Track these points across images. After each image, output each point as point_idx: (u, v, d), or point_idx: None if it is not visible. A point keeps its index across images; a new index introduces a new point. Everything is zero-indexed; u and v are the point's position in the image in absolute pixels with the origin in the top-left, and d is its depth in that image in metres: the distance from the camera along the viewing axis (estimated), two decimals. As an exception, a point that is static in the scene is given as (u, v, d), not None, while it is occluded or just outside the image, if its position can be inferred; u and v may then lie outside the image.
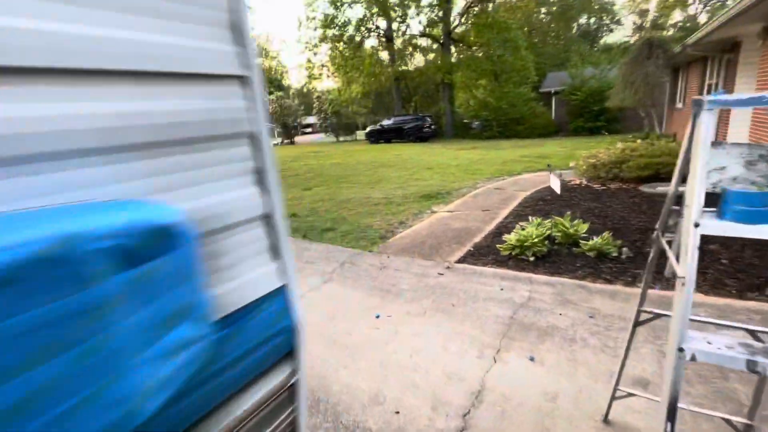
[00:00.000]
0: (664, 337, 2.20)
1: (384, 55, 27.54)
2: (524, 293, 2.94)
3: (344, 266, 3.82)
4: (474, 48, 24.65)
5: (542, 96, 22.34)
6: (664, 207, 1.28)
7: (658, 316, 1.31)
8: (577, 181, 6.95)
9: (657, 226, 1.34)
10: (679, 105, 11.96)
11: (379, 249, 4.27)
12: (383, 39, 26.72)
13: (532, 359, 2.16)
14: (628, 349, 1.48)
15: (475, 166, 10.27)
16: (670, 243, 1.29)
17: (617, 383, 1.58)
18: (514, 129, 20.79)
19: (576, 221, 4.07)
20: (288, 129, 33.17)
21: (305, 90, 41.41)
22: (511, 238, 3.85)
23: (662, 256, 1.31)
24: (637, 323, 1.38)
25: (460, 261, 3.72)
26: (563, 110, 20.70)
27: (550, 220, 4.27)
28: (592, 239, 3.67)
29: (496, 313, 2.68)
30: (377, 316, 2.77)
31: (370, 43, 27.70)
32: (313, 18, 25.69)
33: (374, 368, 2.21)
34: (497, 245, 3.93)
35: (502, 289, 3.03)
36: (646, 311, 1.33)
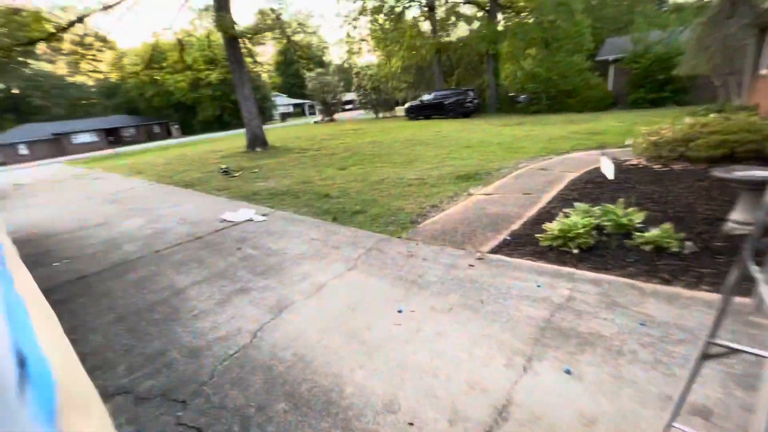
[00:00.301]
0: (736, 357, 1.86)
1: (425, 26, 26.35)
2: (564, 292, 2.64)
3: (370, 253, 3.67)
4: (523, 14, 22.84)
5: (598, 65, 20.42)
6: (754, 219, 0.97)
7: (734, 351, 1.03)
8: (635, 161, 6.25)
9: (730, 217, 1.03)
10: (765, 71, 10.36)
11: (408, 235, 4.07)
12: (425, 8, 25.49)
13: (568, 372, 1.91)
14: (690, 382, 1.20)
15: (518, 144, 9.62)
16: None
17: (673, 418, 1.31)
18: (565, 102, 19.33)
19: (630, 209, 3.61)
20: (327, 106, 33.14)
21: (345, 66, 40.96)
22: (552, 226, 3.49)
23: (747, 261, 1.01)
24: (705, 356, 1.11)
25: (493, 251, 3.44)
26: (622, 80, 18.85)
27: (599, 206, 3.83)
28: (649, 230, 3.24)
29: (530, 314, 2.42)
30: (400, 311, 2.61)
31: (411, 13, 26.56)
32: (352, -11, 24.91)
33: (392, 370, 2.07)
34: (537, 234, 3.60)
35: (538, 286, 2.74)
36: (718, 344, 1.05)
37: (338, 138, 16.09)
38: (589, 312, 2.38)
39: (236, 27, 13.61)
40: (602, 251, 3.20)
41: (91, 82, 53.78)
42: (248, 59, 17.73)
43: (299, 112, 57.27)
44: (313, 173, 8.45)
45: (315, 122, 33.47)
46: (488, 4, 23.39)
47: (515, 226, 4.01)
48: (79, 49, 16.60)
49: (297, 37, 18.87)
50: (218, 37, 15.39)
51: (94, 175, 13.65)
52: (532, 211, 4.40)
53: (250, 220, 5.21)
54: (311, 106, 51.19)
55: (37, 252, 4.94)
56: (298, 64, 33.59)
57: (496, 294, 2.70)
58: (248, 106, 14.56)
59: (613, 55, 19.45)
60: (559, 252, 3.27)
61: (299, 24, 18.64)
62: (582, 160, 6.89)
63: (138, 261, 4.19)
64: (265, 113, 44.61)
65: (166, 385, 2.16)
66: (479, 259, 3.30)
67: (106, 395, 2.15)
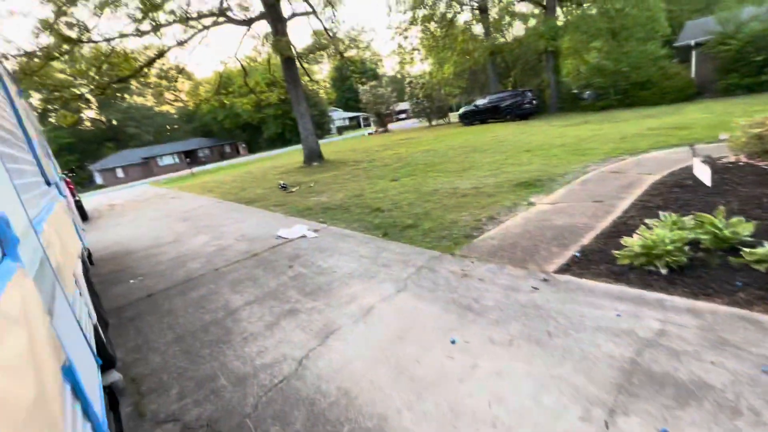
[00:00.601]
0: None
1: (477, 29, 25.72)
2: (653, 324, 2.20)
3: (421, 272, 3.45)
4: (586, 5, 21.34)
5: (677, 51, 18.35)
6: None
7: None
8: (732, 159, 5.34)
9: None
10: None
11: (462, 251, 3.78)
12: (476, 11, 24.90)
13: (666, 434, 1.53)
14: None
15: (585, 145, 8.81)
16: None
17: None
18: (638, 95, 17.60)
19: (734, 218, 3.00)
20: (381, 117, 33.63)
21: (398, 77, 41.43)
22: (632, 241, 3.01)
23: None
24: None
25: (561, 271, 3.04)
26: (708, 66, 16.71)
27: (691, 215, 3.25)
28: (763, 245, 2.64)
29: (611, 353, 2.03)
30: (453, 342, 2.36)
31: (463, 18, 26.10)
32: (403, 1, 25.11)
33: (443, 415, 1.83)
34: (613, 250, 3.13)
35: (619, 316, 2.33)
36: None
37: (391, 148, 16.11)
38: (689, 352, 1.94)
39: (292, 49, 14.30)
40: (699, 272, 2.67)
41: (173, 110, 60.33)
42: (305, 78, 18.57)
43: (355, 124, 59.04)
44: (365, 185, 8.45)
45: (369, 134, 34.09)
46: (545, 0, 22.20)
47: (586, 241, 3.55)
48: (163, 82, 18.55)
49: (350, 53, 19.42)
50: (278, 60, 16.29)
51: (172, 194, 15.04)
52: (606, 222, 3.88)
53: (304, 236, 5.25)
54: (366, 118, 52.48)
55: (117, 269, 5.42)
56: (352, 79, 34.64)
57: (566, 324, 2.34)
58: (304, 122, 15.15)
59: (694, 39, 17.33)
60: (643, 272, 2.79)
61: (351, 40, 19.13)
62: (664, 160, 6.06)
63: (200, 279, 4.38)
64: (322, 128, 46.60)
65: (213, 415, 2.13)
66: (544, 280, 2.92)
67: (157, 421, 2.17)
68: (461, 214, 5.05)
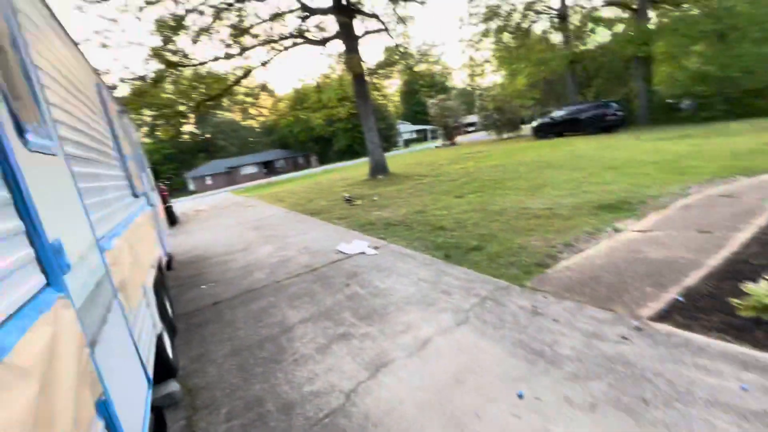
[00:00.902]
0: None
1: (556, 37, 24.38)
2: (797, 407, 1.68)
3: (485, 304, 3.13)
4: (685, 5, 19.07)
5: (807, 52, 15.51)
6: None
7: None
8: None
9: None
10: None
11: (533, 283, 3.38)
12: (555, 20, 23.63)
13: None
14: None
15: (684, 163, 7.69)
16: None
17: None
18: (752, 105, 15.21)
19: None
20: (449, 130, 33.26)
21: (468, 89, 40.84)
22: (760, 289, 2.41)
23: None
24: None
25: (658, 318, 2.53)
26: None
27: None
28: None
29: (735, 441, 1.57)
30: (520, 396, 2.04)
31: (540, 26, 24.94)
32: (476, 14, 24.72)
33: (505, 491, 1.54)
34: (730, 298, 2.54)
35: (744, 389, 1.82)
36: None
37: (458, 162, 15.69)
38: None
39: (363, 66, 14.71)
40: None
41: (256, 125, 65.93)
42: (374, 92, 19.01)
43: (422, 137, 59.22)
44: (428, 201, 8.22)
45: (436, 147, 33.81)
46: (637, 2, 20.29)
47: (690, 281, 2.95)
48: (248, 98, 20.27)
49: (420, 67, 19.50)
50: (349, 76, 16.89)
51: (248, 202, 16.19)
52: (717, 260, 3.22)
53: (363, 252, 5.18)
54: (433, 131, 52.39)
55: (194, 273, 5.83)
56: (420, 93, 34.85)
57: (669, 392, 1.89)
58: (371, 136, 15.42)
59: (833, 37, 14.51)
60: (776, 331, 2.20)
61: (422, 55, 19.20)
62: (795, 184, 4.99)
63: (262, 290, 4.50)
64: (389, 140, 47.51)
65: (256, 444, 2.06)
66: (637, 328, 2.45)
67: (206, 441, 2.16)
68: (532, 238, 4.60)
